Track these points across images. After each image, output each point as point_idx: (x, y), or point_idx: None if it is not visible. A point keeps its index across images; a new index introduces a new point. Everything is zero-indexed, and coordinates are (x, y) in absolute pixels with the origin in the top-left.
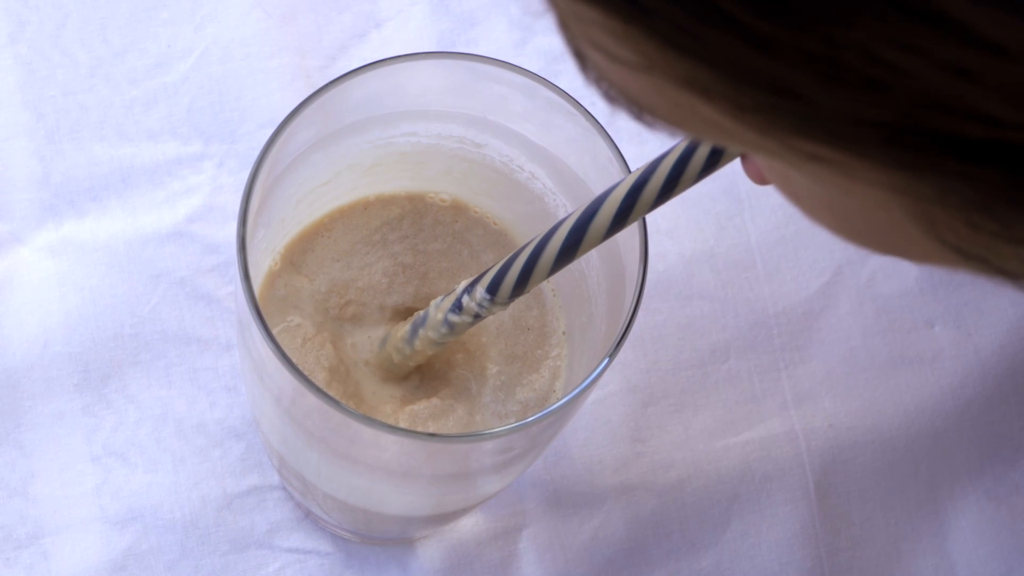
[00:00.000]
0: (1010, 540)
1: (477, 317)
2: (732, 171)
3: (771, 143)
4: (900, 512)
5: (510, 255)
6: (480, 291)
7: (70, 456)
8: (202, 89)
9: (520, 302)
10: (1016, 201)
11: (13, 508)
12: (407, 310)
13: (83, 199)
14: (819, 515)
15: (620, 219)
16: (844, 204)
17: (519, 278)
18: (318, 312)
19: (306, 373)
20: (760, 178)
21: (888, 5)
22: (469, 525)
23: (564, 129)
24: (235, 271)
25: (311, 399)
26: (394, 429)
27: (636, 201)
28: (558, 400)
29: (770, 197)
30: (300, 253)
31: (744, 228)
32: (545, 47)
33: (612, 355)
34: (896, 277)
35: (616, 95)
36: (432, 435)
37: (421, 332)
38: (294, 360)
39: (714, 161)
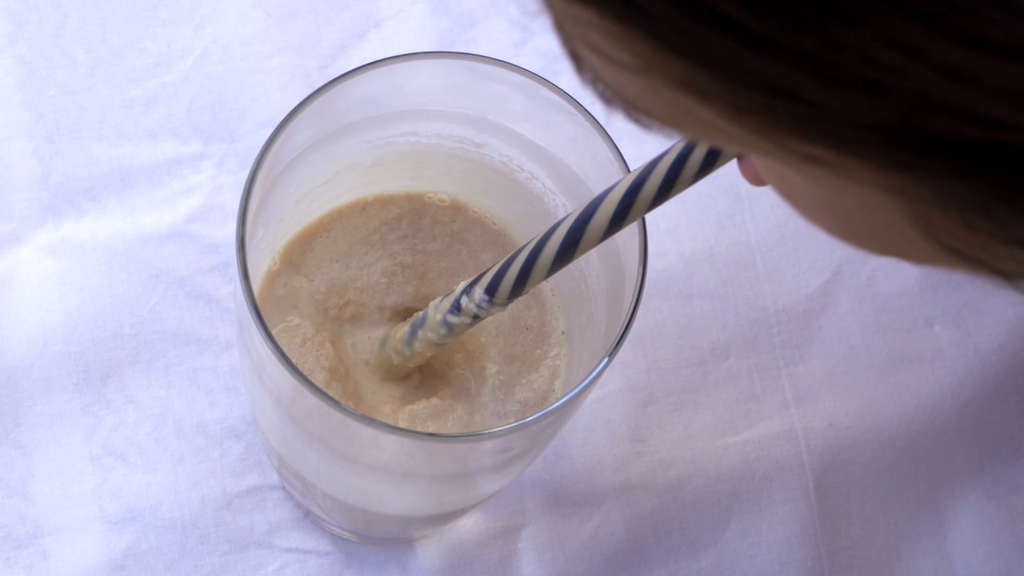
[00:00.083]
0: (1010, 539)
1: (476, 318)
2: (732, 170)
3: (768, 144)
4: (900, 511)
5: (508, 256)
6: (478, 292)
7: (69, 456)
8: (202, 89)
9: (519, 302)
10: (1013, 202)
11: (12, 508)
12: (406, 310)
13: (82, 199)
14: (819, 514)
15: (618, 220)
16: (841, 205)
17: (517, 279)
18: (317, 312)
19: (305, 373)
20: (756, 179)
21: (885, 6)
22: (469, 525)
23: (564, 129)
24: (234, 271)
25: (310, 399)
26: (394, 429)
27: (634, 202)
28: (557, 400)
29: (770, 196)
30: (299, 253)
31: (744, 227)
32: (545, 47)
33: (612, 354)
34: (896, 276)
35: (612, 96)
36: (431, 435)
37: (420, 333)
38: (293, 360)
39: (711, 162)
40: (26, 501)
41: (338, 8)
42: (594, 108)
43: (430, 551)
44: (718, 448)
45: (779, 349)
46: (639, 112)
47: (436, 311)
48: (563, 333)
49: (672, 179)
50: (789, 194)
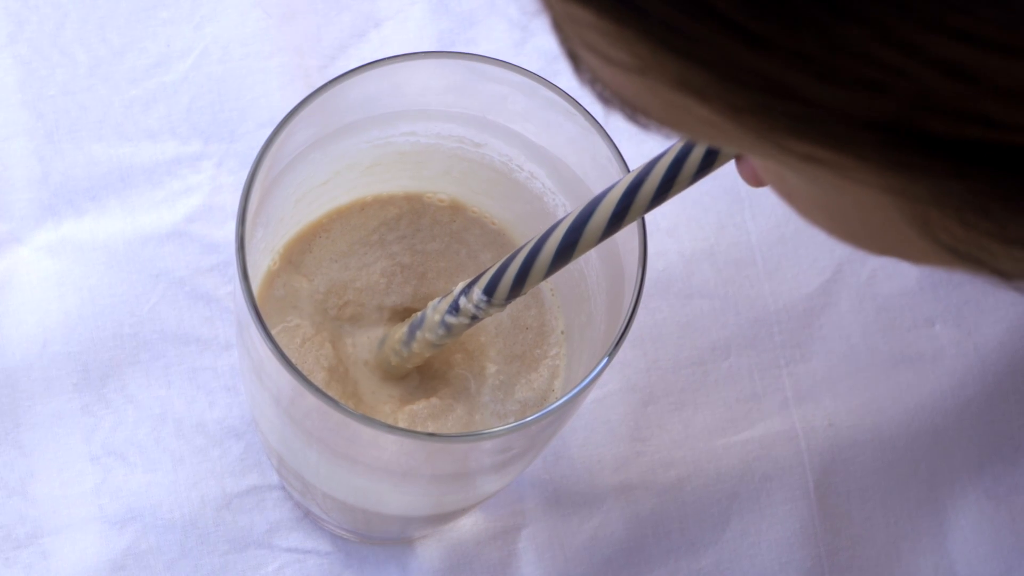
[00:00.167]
0: (1010, 539)
1: (474, 319)
2: (732, 170)
3: (766, 144)
4: (900, 511)
5: (507, 256)
6: (477, 292)
7: (69, 456)
8: (201, 89)
9: (518, 301)
10: (1011, 201)
11: (12, 508)
12: (405, 310)
13: (82, 199)
14: (819, 514)
15: (616, 220)
16: (839, 205)
17: (516, 279)
18: (317, 312)
19: (305, 373)
20: (755, 180)
21: (883, 5)
22: (468, 525)
23: (563, 128)
24: (234, 271)
25: (310, 399)
26: (393, 429)
27: (632, 202)
28: (557, 399)
29: (770, 195)
30: (299, 253)
31: (744, 226)
32: (544, 46)
33: (611, 354)
34: (897, 275)
35: (610, 96)
36: (431, 435)
37: (418, 334)
38: (293, 360)
39: (710, 162)
40: (26, 501)
41: (338, 8)
42: (594, 108)
43: (430, 551)
44: (718, 448)
45: (779, 348)
46: (637, 112)
47: (434, 312)
48: (563, 333)
49: (671, 179)
50: (788, 194)
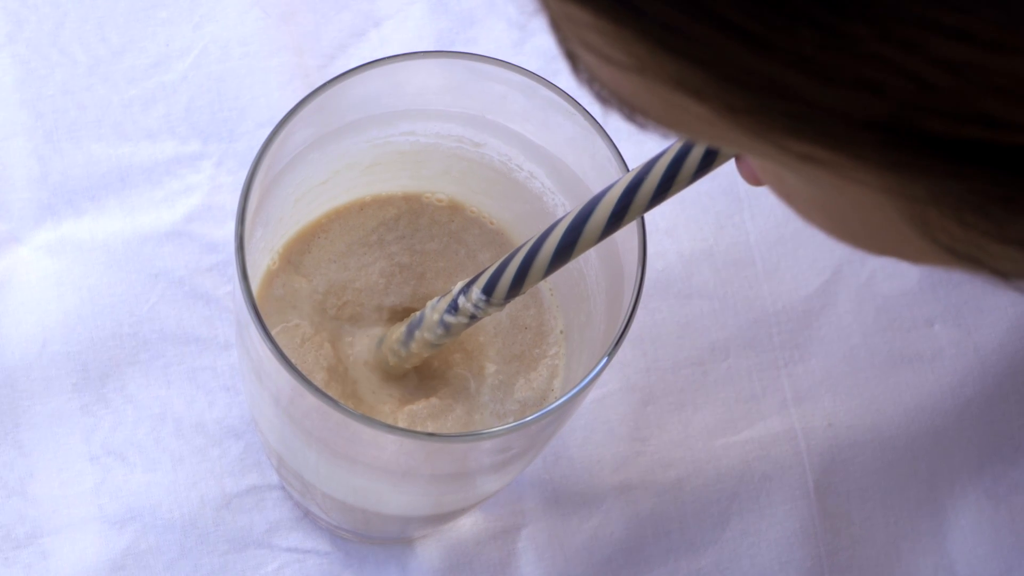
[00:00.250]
0: (1009, 539)
1: (473, 318)
2: (731, 169)
3: (764, 144)
4: (900, 511)
5: (506, 256)
6: (476, 292)
7: (69, 456)
8: (200, 88)
9: (517, 301)
10: (1009, 201)
11: (12, 508)
12: (405, 310)
13: (81, 198)
14: (818, 514)
15: (615, 220)
16: (838, 205)
17: (515, 279)
18: (316, 312)
19: (304, 373)
20: (754, 179)
21: (881, 5)
22: (468, 524)
23: (563, 128)
24: (233, 270)
25: (310, 399)
26: (393, 429)
27: (632, 201)
28: (556, 399)
29: (769, 196)
30: (298, 253)
31: (743, 227)
32: (544, 46)
33: (611, 354)
34: (896, 276)
35: (608, 96)
36: (431, 435)
37: (417, 334)
38: (293, 360)
39: (709, 161)
40: (25, 501)
41: (337, 7)
42: (593, 108)
43: (429, 551)
44: (718, 448)
45: (778, 349)
46: (635, 112)
47: (433, 311)
48: (562, 332)
49: (670, 178)
50: (786, 195)
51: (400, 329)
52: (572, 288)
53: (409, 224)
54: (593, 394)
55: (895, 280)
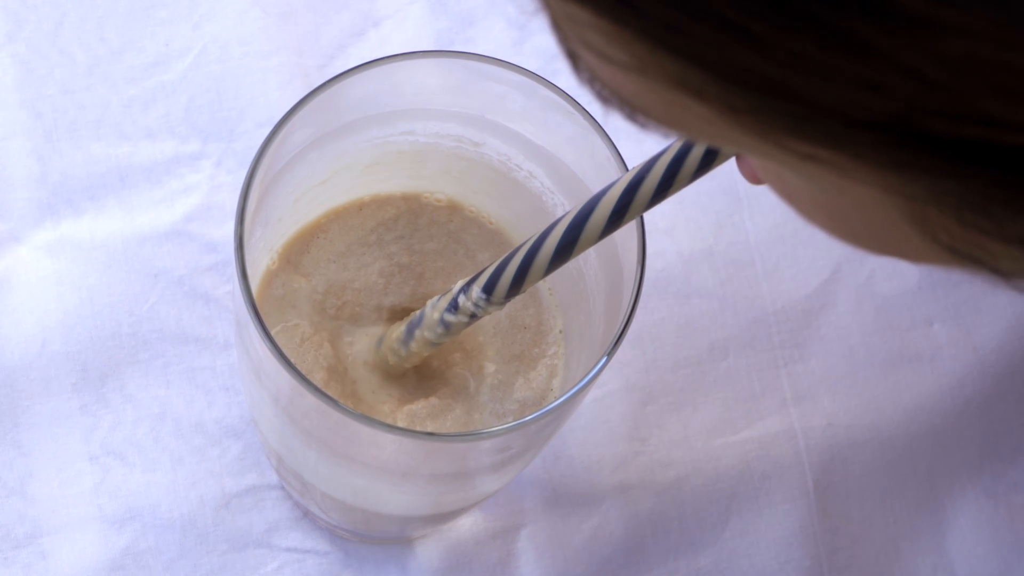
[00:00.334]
0: (1008, 538)
1: (473, 317)
2: (730, 169)
3: (765, 144)
4: (899, 510)
5: (506, 255)
6: (476, 291)
7: (68, 455)
8: (200, 88)
9: (516, 301)
10: (1010, 201)
11: (11, 507)
12: (404, 310)
13: (81, 198)
14: (818, 514)
15: (616, 218)
16: (839, 204)
17: (515, 277)
18: (316, 312)
19: (304, 373)
20: (754, 178)
21: (882, 4)
22: (467, 524)
23: (562, 128)
24: (233, 270)
25: (309, 398)
26: (392, 428)
27: (632, 200)
28: (555, 399)
29: (769, 195)
30: (298, 253)
31: (743, 226)
32: (543, 46)
33: (610, 354)
34: (895, 276)
35: (609, 96)
36: (430, 434)
37: (417, 333)
38: (292, 359)
39: (710, 160)
40: (25, 501)
41: (336, 7)
42: (592, 107)
43: (429, 550)
44: (717, 447)
45: (778, 348)
46: (636, 111)
47: (433, 310)
48: (561, 332)
49: (671, 177)
50: (787, 194)
51: (400, 328)
52: (571, 288)
53: (408, 224)
54: (592, 394)
55: (894, 280)
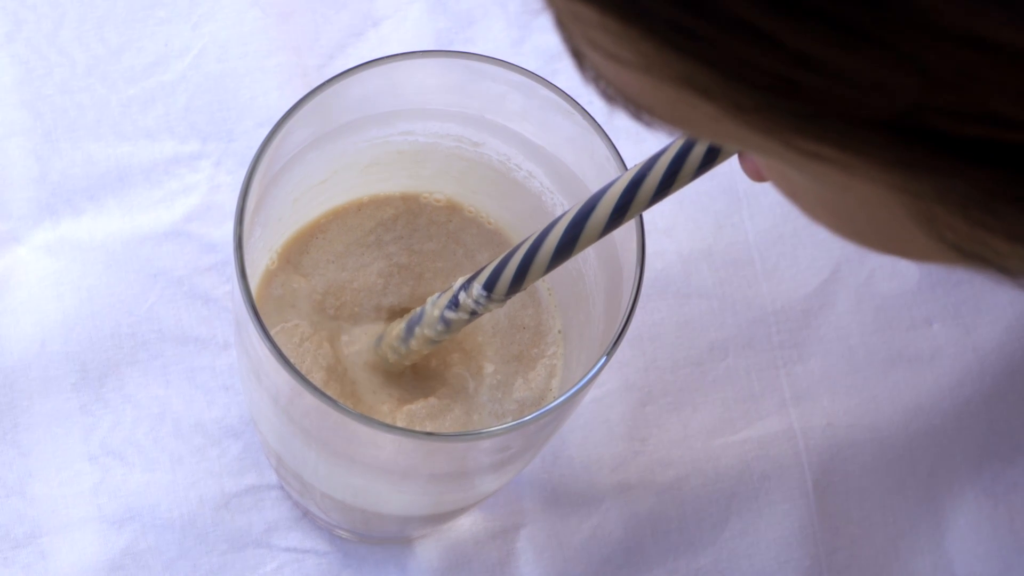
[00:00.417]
0: (1008, 538)
1: (474, 314)
2: (730, 169)
3: (771, 142)
4: (898, 510)
5: (507, 252)
6: (477, 288)
7: (67, 455)
8: (199, 88)
9: (515, 301)
10: (1016, 199)
11: (11, 507)
12: (403, 310)
13: (80, 198)
14: (817, 513)
15: (617, 216)
16: (844, 202)
17: (516, 275)
18: (315, 312)
19: (303, 373)
20: (757, 175)
21: (888, 3)
22: (467, 524)
23: (562, 128)
24: (232, 270)
25: (308, 398)
26: (392, 428)
27: (633, 198)
28: (555, 399)
29: (768, 195)
30: (297, 253)
31: (742, 226)
32: (543, 45)
33: (609, 354)
34: (895, 275)
35: (614, 94)
36: (429, 434)
37: (417, 330)
38: (291, 359)
39: (711, 158)
40: (24, 501)
41: (336, 7)
42: (592, 107)
43: (428, 550)
44: (716, 447)
45: (777, 348)
46: (641, 110)
47: (434, 307)
48: (560, 332)
49: (672, 175)
50: (792, 192)
51: (400, 326)
52: (571, 288)
53: (407, 224)
54: (592, 394)
55: (894, 280)
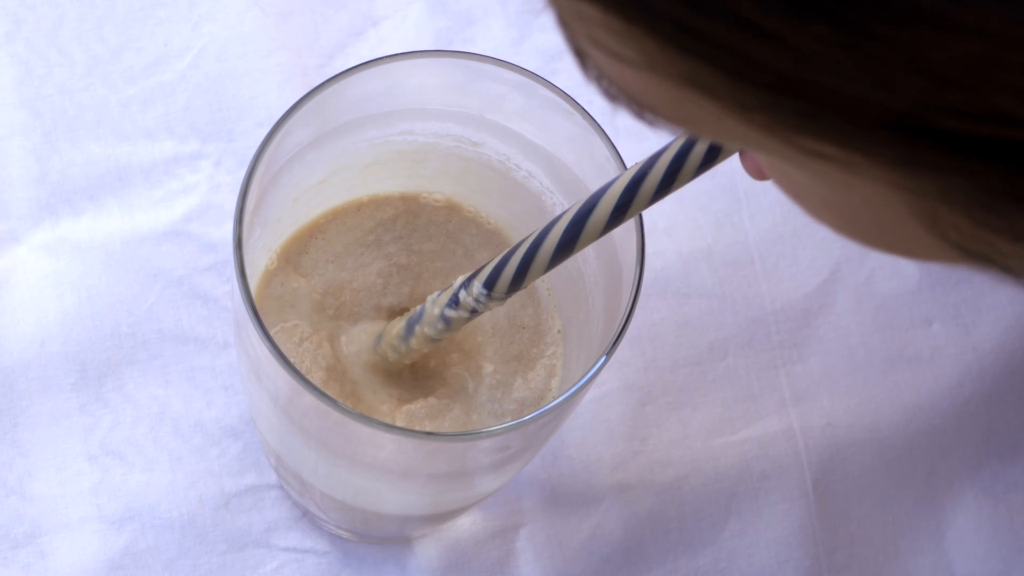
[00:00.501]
0: (1007, 538)
1: (474, 312)
2: (730, 169)
3: (774, 141)
4: (898, 510)
5: (508, 250)
6: (477, 286)
7: (67, 455)
8: (199, 88)
9: (515, 301)
10: (1020, 197)
11: (10, 507)
12: (402, 311)
13: (80, 198)
14: (817, 513)
15: (618, 214)
16: (847, 202)
17: (516, 273)
18: (315, 311)
19: (303, 372)
20: (758, 173)
21: (894, 2)
22: (467, 524)
23: (561, 128)
24: (232, 270)
25: (308, 398)
26: (391, 428)
27: (634, 196)
28: (554, 399)
29: (768, 195)
30: (297, 253)
31: (742, 226)
32: (542, 45)
33: (609, 353)
34: (895, 275)
35: (617, 93)
36: (429, 434)
37: (417, 329)
38: (291, 359)
39: (712, 156)
40: (24, 500)
41: (335, 7)
42: (592, 107)
43: (428, 550)
44: (716, 447)
45: (777, 348)
46: (644, 109)
47: (434, 305)
48: (559, 332)
49: (673, 174)
50: (794, 192)
51: (399, 324)
52: (570, 288)
53: (407, 224)
54: (591, 394)
55: (894, 279)
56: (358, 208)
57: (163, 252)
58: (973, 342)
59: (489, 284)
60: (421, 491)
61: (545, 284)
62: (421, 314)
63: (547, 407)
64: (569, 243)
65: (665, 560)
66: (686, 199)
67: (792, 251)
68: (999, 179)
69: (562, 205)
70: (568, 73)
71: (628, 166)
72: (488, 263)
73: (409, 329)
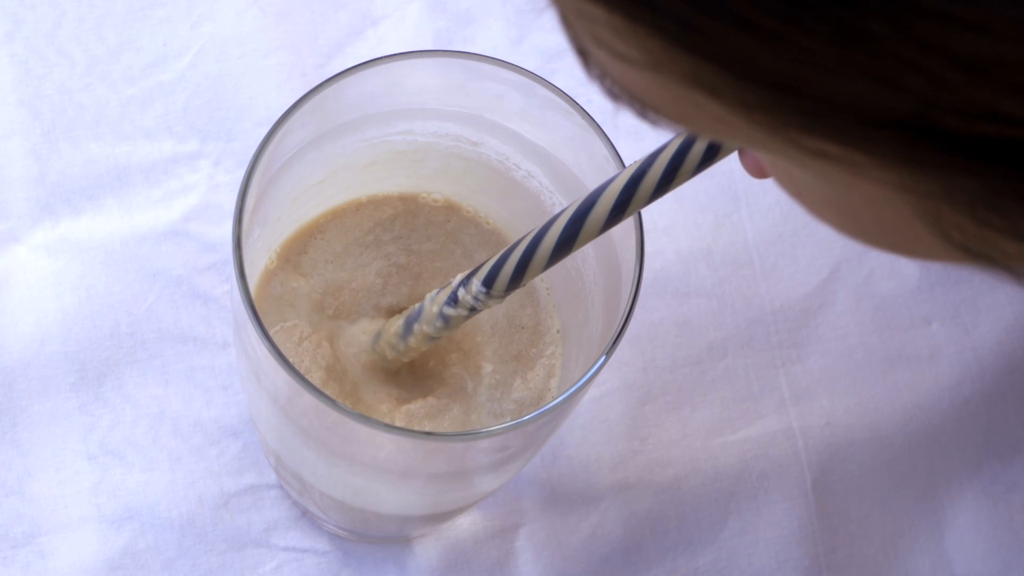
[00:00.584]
0: (1007, 537)
1: (472, 310)
2: (730, 168)
3: (777, 140)
4: (897, 510)
5: (507, 248)
6: (476, 284)
7: (66, 455)
8: (198, 87)
9: (514, 301)
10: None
11: (10, 507)
12: (402, 310)
13: (79, 198)
14: (816, 513)
15: (617, 212)
16: (849, 201)
17: (515, 271)
18: (314, 311)
19: (302, 372)
20: (758, 171)
21: (897, 1)
22: (466, 524)
23: (561, 127)
24: (231, 270)
25: (307, 398)
26: (390, 428)
27: (634, 194)
28: (553, 399)
29: (768, 195)
30: (296, 252)
31: (741, 225)
32: (542, 45)
33: (608, 353)
34: (894, 275)
35: (619, 92)
36: (428, 434)
37: (416, 327)
38: (290, 359)
39: (712, 154)
40: (23, 500)
41: (335, 7)
42: (591, 106)
43: (428, 550)
44: (715, 447)
45: (776, 348)
46: (647, 108)
47: (433, 303)
48: (559, 332)
49: (673, 171)
50: (796, 191)
51: (398, 322)
52: (569, 287)
53: (406, 224)
54: (591, 393)
55: (893, 279)
56: (357, 208)
57: (162, 252)
58: (972, 342)
59: (488, 282)
60: (420, 491)
61: (544, 284)
62: (420, 312)
63: (546, 407)
64: (568, 241)
65: (664, 559)
66: (685, 199)
67: (791, 251)
68: (1002, 178)
69: (561, 205)
70: (567, 73)
71: (626, 166)
72: (487, 261)
73: (407, 327)
